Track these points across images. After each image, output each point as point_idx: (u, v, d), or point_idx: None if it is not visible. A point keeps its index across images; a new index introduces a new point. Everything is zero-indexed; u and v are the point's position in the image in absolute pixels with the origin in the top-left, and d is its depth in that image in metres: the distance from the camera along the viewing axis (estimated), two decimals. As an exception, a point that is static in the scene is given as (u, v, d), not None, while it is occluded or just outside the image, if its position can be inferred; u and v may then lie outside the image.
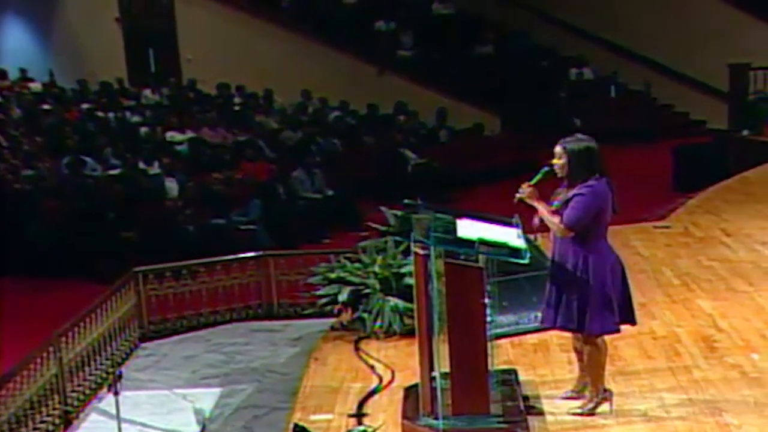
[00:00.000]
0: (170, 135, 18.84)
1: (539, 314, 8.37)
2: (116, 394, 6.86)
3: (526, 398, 6.99)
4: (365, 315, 8.39)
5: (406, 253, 8.90)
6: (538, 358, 7.85)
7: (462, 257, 6.46)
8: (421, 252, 6.53)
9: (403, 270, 8.55)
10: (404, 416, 6.72)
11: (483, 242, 6.46)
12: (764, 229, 10.98)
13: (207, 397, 7.88)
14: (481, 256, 6.49)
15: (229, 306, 12.07)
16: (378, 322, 8.33)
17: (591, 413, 6.78)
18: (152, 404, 7.55)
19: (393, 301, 8.37)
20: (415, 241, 6.63)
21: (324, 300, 8.72)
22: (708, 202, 12.36)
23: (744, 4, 20.40)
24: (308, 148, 18.12)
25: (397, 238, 9.48)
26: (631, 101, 21.78)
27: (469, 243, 6.45)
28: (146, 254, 13.13)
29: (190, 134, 18.90)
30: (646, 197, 14.12)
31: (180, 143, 18.58)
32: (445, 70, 22.43)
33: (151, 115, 20.26)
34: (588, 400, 6.86)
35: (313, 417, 7.00)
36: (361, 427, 5.78)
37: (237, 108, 21.22)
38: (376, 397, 7.30)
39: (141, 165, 16.59)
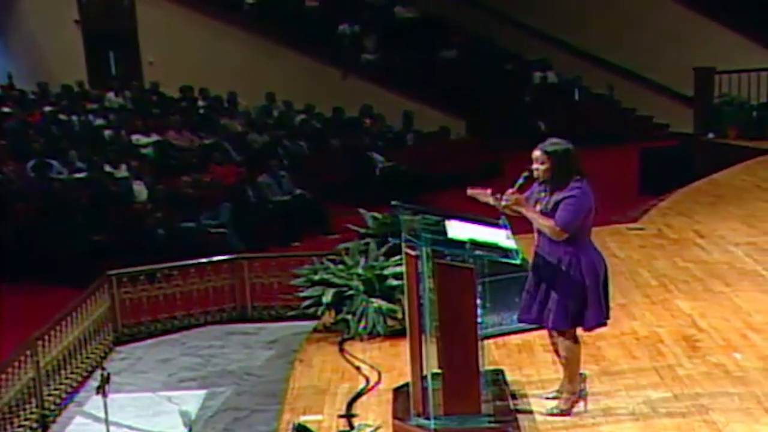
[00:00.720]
0: (135, 138, 18.73)
1: (515, 316, 8.49)
2: (105, 395, 6.83)
3: (514, 398, 7.03)
4: (349, 317, 8.40)
5: (388, 254, 8.95)
6: (522, 358, 7.90)
7: (455, 258, 6.49)
8: (412, 253, 6.56)
9: (386, 272, 8.58)
10: (395, 416, 6.75)
11: (474, 243, 6.49)
12: (736, 230, 11.11)
13: (192, 400, 7.84)
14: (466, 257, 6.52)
15: (204, 309, 12.07)
16: (362, 324, 8.32)
17: (566, 413, 6.84)
18: (137, 406, 7.52)
19: (376, 302, 8.39)
20: (406, 242, 6.65)
21: (308, 302, 8.70)
22: (679, 204, 12.48)
23: (705, 10, 20.62)
24: (275, 151, 18.11)
25: (378, 240, 9.51)
26: (595, 105, 21.96)
27: (460, 244, 6.48)
28: (117, 257, 13.09)
29: (155, 137, 18.80)
30: (613, 200, 14.20)
31: (145, 146, 18.48)
32: (409, 73, 22.50)
33: (116, 118, 20.12)
34: (563, 400, 6.92)
35: (303, 418, 7.00)
36: (364, 422, 5.76)
37: (201, 111, 21.14)
38: (364, 397, 7.30)
39: (107, 168, 16.48)
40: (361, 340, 8.41)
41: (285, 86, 21.80)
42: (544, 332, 8.16)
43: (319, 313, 9.01)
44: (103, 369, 6.91)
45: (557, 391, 7.07)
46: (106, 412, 6.85)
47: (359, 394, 7.34)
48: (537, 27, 23.06)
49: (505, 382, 7.18)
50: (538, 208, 6.65)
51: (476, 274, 6.48)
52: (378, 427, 6.31)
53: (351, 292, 8.46)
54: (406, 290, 6.70)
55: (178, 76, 22.34)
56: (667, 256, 10.17)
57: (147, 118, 19.84)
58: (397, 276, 8.58)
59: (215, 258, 12.27)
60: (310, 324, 11.69)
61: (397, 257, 8.91)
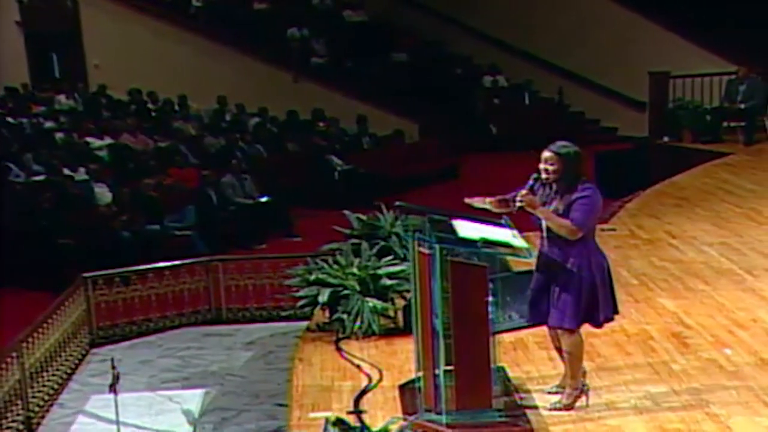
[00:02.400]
0: (88, 141, 18.63)
1: (513, 314, 8.67)
2: (116, 393, 6.89)
3: (517, 393, 7.19)
4: (344, 316, 8.51)
5: (379, 255, 9.09)
6: (518, 355, 8.06)
7: (467, 256, 6.64)
8: (426, 251, 6.70)
9: (380, 271, 8.70)
10: (405, 412, 6.87)
11: (486, 242, 6.64)
12: (706, 231, 11.39)
13: (193, 399, 7.90)
14: (481, 255, 6.67)
15: (179, 311, 12.11)
16: (357, 323, 8.45)
17: (569, 407, 7.02)
18: (140, 406, 7.55)
19: (371, 301, 8.51)
20: (419, 241, 6.79)
21: (303, 301, 8.80)
22: (646, 206, 12.75)
23: (654, 16, 21.00)
24: (232, 155, 18.12)
25: (363, 240, 9.65)
26: (544, 108, 22.25)
27: (472, 243, 6.63)
28: (83, 261, 13.04)
29: (108, 140, 18.72)
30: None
31: (99, 149, 18.39)
32: (360, 77, 22.63)
33: (67, 121, 19.99)
34: (566, 395, 7.09)
35: (312, 414, 7.11)
36: (396, 416, 5.84)
37: (154, 114, 21.08)
38: (369, 394, 7.41)
39: (66, 171, 16.40)
40: (357, 338, 8.52)
41: (236, 89, 21.80)
42: (537, 330, 8.41)
43: (309, 312, 9.11)
44: (114, 367, 6.94)
45: (559, 386, 7.23)
46: (116, 411, 6.90)
47: (364, 391, 7.44)
48: (486, 32, 23.30)
49: (508, 379, 7.34)
50: (550, 208, 6.80)
51: (488, 272, 6.64)
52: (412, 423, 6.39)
53: (346, 292, 8.57)
54: (419, 288, 6.83)
55: (125, 78, 22.24)
56: (643, 256, 10.40)
57: (98, 120, 19.74)
58: (391, 276, 8.73)
59: (190, 260, 12.33)
60: (286, 325, 11.84)
61: (389, 257, 9.08)
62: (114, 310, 11.86)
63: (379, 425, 5.95)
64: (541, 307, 6.96)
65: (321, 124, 20.50)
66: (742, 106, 16.34)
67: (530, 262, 7.11)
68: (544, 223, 6.88)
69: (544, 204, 6.88)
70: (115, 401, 6.97)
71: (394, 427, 5.64)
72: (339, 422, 5.59)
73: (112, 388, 6.97)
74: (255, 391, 10.11)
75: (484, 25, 23.38)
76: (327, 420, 5.76)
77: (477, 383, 6.66)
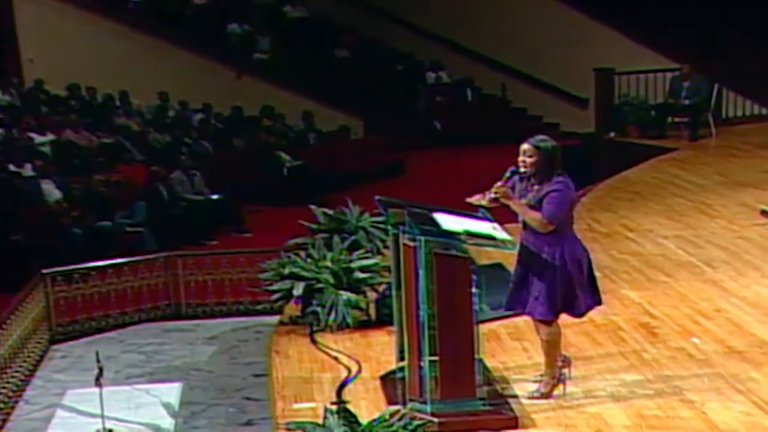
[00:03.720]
0: (30, 137, 18.44)
1: (484, 306, 8.81)
2: (101, 387, 6.93)
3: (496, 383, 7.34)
4: (318, 309, 8.59)
5: (352, 248, 9.20)
6: (493, 347, 8.19)
7: (446, 248, 6.77)
8: (411, 244, 6.81)
9: (353, 265, 8.80)
10: (390, 402, 6.98)
11: (469, 234, 6.78)
12: (661, 224, 11.63)
13: (171, 392, 7.95)
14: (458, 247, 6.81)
15: (138, 307, 12.13)
16: (332, 316, 8.54)
17: (547, 396, 7.18)
18: (118, 400, 7.58)
19: (345, 294, 8.61)
20: (403, 233, 6.90)
21: (277, 295, 8.87)
22: (600, 200, 12.98)
23: (595, 13, 21.28)
24: (179, 151, 18.08)
25: (329, 235, 9.75)
26: (487, 105, 22.46)
27: (456, 235, 6.76)
28: (35, 258, 12.96)
29: (51, 136, 18.56)
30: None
31: (42, 145, 18.23)
32: (304, 73, 22.64)
33: (5, 117, 19.74)
34: (544, 384, 7.25)
35: (296, 405, 7.21)
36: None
37: (94, 109, 20.89)
38: (350, 385, 7.51)
39: (12, 168, 16.24)
40: (332, 331, 8.61)
41: (177, 85, 21.65)
42: (508, 321, 8.59)
43: (280, 306, 9.20)
44: (98, 361, 6.97)
45: (541, 375, 7.39)
46: (101, 404, 6.93)
47: (346, 382, 7.54)
48: (428, 28, 23.44)
49: (487, 369, 7.48)
50: (524, 201, 6.95)
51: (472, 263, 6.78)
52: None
53: (320, 285, 8.65)
54: (404, 280, 6.94)
55: (61, 74, 21.99)
56: (603, 249, 10.59)
57: (38, 116, 19.53)
58: (363, 269, 8.84)
59: (149, 256, 12.35)
60: (248, 320, 11.96)
61: (361, 251, 9.19)
62: (73, 307, 11.86)
63: (377, 414, 6.03)
64: (520, 297, 7.11)
65: (266, 120, 20.50)
66: (687, 102, 16.66)
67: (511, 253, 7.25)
68: (519, 217, 7.03)
69: (521, 197, 7.01)
70: (101, 395, 7.00)
71: (394, 416, 5.72)
72: (341, 411, 5.66)
73: (98, 382, 6.99)
74: (222, 385, 10.18)
75: (425, 21, 23.50)
76: (327, 409, 5.82)
77: (461, 373, 6.78)
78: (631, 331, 8.40)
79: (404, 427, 5.62)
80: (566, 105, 21.34)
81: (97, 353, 6.99)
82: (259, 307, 11.73)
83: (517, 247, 6.88)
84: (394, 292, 7.50)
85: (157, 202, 15.73)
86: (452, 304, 6.73)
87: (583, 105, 20.66)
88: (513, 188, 7.05)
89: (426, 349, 6.74)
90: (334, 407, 5.76)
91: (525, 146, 7.03)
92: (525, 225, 7.02)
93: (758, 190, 12.79)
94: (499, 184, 6.97)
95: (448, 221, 6.93)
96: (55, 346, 11.49)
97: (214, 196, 16.29)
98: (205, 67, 22.56)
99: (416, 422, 5.74)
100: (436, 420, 6.00)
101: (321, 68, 22.87)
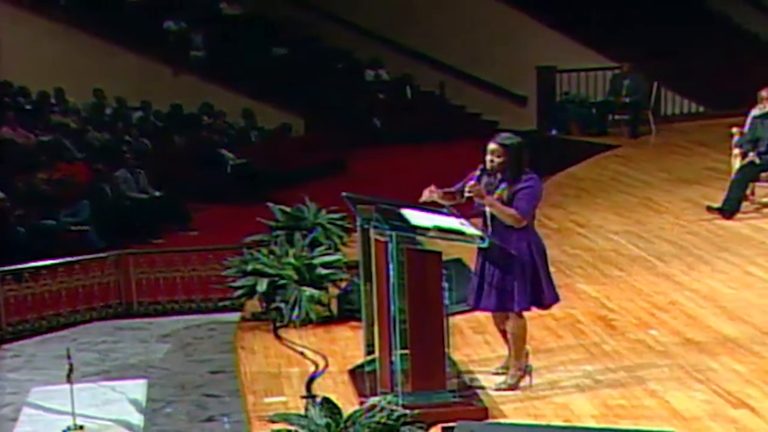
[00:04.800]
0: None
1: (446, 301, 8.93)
2: (71, 384, 6.93)
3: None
4: (282, 305, 8.65)
5: (313, 245, 9.26)
6: (456, 340, 8.24)
7: (414, 243, 6.88)
8: (382, 239, 6.91)
9: (315, 261, 8.87)
10: (361, 395, 7.06)
11: (439, 229, 6.89)
12: (610, 220, 11.84)
13: (137, 389, 7.95)
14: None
15: (89, 305, 12.08)
16: (295, 311, 8.60)
17: (514, 387, 7.32)
18: (85, 396, 7.56)
19: (308, 290, 8.67)
20: (375, 229, 6.99)
21: (240, 291, 8.91)
22: (549, 197, 13.00)
23: (533, 11, 21.52)
24: (119, 149, 17.98)
25: (287, 232, 9.81)
26: (426, 102, 22.59)
27: (426, 230, 6.86)
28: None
29: (-16, 134, 18.34)
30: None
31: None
32: (242, 70, 22.58)
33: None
34: (510, 376, 7.39)
35: (267, 400, 7.26)
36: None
37: (29, 107, 20.66)
38: (319, 379, 7.59)
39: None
40: (295, 327, 8.66)
41: (113, 83, 21.49)
42: (469, 315, 8.70)
43: (240, 303, 9.25)
44: (69, 357, 6.96)
45: (503, 367, 7.53)
46: (72, 401, 6.93)
47: (314, 377, 7.61)
48: (365, 26, 23.50)
49: (453, 362, 7.58)
50: (494, 194, 7.09)
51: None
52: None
53: (283, 282, 8.71)
54: (375, 274, 7.04)
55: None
56: (555, 245, 10.73)
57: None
58: (325, 265, 8.91)
59: (101, 254, 12.31)
60: (200, 318, 11.97)
61: (323, 247, 9.26)
62: (23, 306, 11.78)
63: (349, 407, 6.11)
64: (485, 292, 7.22)
65: (206, 118, 20.44)
66: (627, 100, 16.96)
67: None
68: (487, 211, 7.15)
69: (489, 193, 7.14)
70: (71, 392, 6.99)
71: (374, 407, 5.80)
72: (325, 402, 5.74)
73: (69, 379, 6.99)
74: (180, 382, 10.20)
75: (362, 19, 23.56)
76: (309, 402, 5.89)
77: (432, 365, 6.89)
78: (590, 324, 8.57)
79: (387, 417, 5.69)
80: (505, 102, 21.53)
81: (68, 350, 6.98)
82: (211, 304, 11.76)
83: (486, 242, 6.97)
84: (362, 287, 7.59)
85: (102, 201, 15.65)
86: (423, 298, 6.83)
87: (521, 102, 20.89)
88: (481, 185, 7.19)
89: (397, 343, 6.83)
90: (316, 399, 5.81)
91: (492, 146, 7.16)
92: (492, 221, 7.15)
93: (702, 186, 13.08)
94: (472, 183, 7.10)
95: (416, 217, 7.03)
96: (5, 346, 11.40)
97: (158, 194, 16.23)
98: (141, 64, 22.39)
99: (398, 413, 5.82)
100: (415, 411, 6.08)
101: (258, 66, 22.85)
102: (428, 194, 7.20)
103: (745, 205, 11.68)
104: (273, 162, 18.59)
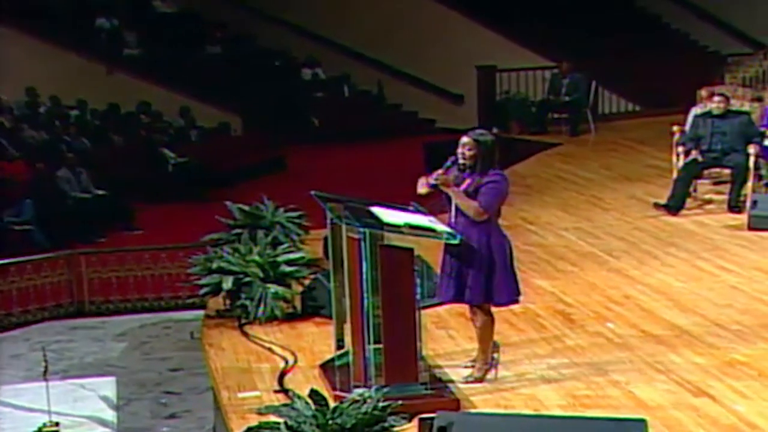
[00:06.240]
0: None
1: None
2: (47, 381, 6.99)
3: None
4: (248, 302, 8.75)
5: (275, 244, 9.37)
6: (419, 335, 8.46)
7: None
8: (355, 236, 7.05)
9: (279, 259, 8.98)
10: (334, 388, 7.20)
11: (411, 226, 7.06)
12: (558, 217, 12.09)
13: (107, 386, 8.02)
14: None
15: (41, 305, 12.06)
16: (261, 308, 8.70)
17: (481, 380, 7.51)
18: (55, 394, 7.59)
19: (273, 287, 8.78)
20: (347, 226, 7.14)
21: (206, 289, 8.99)
22: (496, 194, 13.37)
23: (469, 11, 21.76)
24: (58, 148, 17.88)
25: (248, 230, 9.92)
26: (363, 101, 22.75)
27: (397, 227, 7.02)
28: None
29: None
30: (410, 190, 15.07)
31: None
32: (177, 69, 22.53)
33: None
34: (477, 368, 7.59)
35: (240, 395, 7.37)
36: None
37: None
38: (290, 374, 7.71)
39: None
40: (260, 323, 8.77)
41: (46, 81, 21.31)
42: (431, 311, 8.87)
43: (204, 301, 9.34)
44: (45, 354, 7.02)
45: (471, 360, 7.71)
46: (47, 397, 6.99)
47: (285, 372, 7.73)
48: (301, 25, 23.57)
49: (422, 356, 7.75)
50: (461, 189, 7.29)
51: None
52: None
53: (248, 279, 8.80)
54: (348, 271, 7.17)
55: None
56: (507, 241, 10.97)
57: None
58: (289, 262, 9.03)
59: (52, 254, 12.28)
60: (154, 316, 12.01)
61: (285, 245, 9.38)
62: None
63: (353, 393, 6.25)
64: (451, 285, 7.40)
65: (144, 116, 20.37)
66: (567, 99, 17.27)
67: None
68: (453, 205, 7.35)
69: (456, 185, 7.33)
70: (47, 389, 7.04)
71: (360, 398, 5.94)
72: (313, 393, 5.87)
73: (45, 377, 7.04)
74: (139, 380, 10.26)
75: (297, 18, 23.61)
76: (295, 394, 6.02)
77: (404, 359, 7.06)
78: (550, 318, 8.80)
79: (373, 407, 5.84)
80: (442, 101, 21.74)
81: (43, 349, 7.05)
82: (164, 302, 11.82)
83: (458, 238, 7.15)
84: (332, 283, 7.73)
85: (44, 200, 15.56)
86: (396, 293, 7.00)
87: (458, 101, 21.13)
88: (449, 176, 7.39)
89: (370, 337, 6.98)
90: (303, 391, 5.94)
91: (465, 139, 7.37)
92: (456, 214, 7.34)
93: (644, 183, 13.41)
94: (439, 172, 7.29)
95: (387, 215, 7.19)
96: (-45, 346, 11.35)
97: (99, 191, 16.17)
98: (74, 62, 22.21)
99: (383, 403, 5.97)
100: (399, 402, 6.24)
101: (193, 64, 22.81)
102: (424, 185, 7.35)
103: (688, 201, 12.01)
104: (214, 161, 18.61)
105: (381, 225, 7.00)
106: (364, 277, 6.96)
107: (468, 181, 7.35)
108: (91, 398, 7.73)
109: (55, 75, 21.44)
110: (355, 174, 17.40)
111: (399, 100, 22.67)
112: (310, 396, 5.86)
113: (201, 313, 9.74)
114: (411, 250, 7.06)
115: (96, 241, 14.98)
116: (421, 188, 7.32)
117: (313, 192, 7.75)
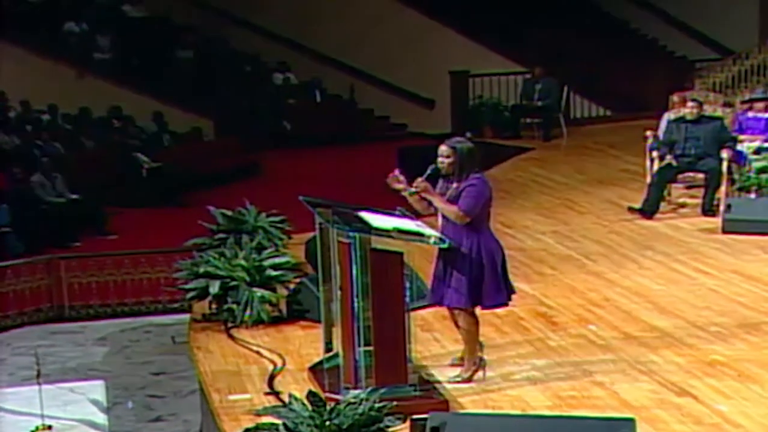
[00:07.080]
0: None
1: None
2: (40, 384, 7.04)
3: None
4: (234, 306, 8.83)
5: (259, 248, 9.46)
6: (405, 338, 8.57)
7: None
8: (345, 241, 7.16)
9: (265, 263, 9.07)
10: (324, 390, 7.29)
11: (399, 231, 7.18)
12: (535, 221, 12.25)
13: (96, 389, 8.07)
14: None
15: (20, 310, 12.07)
16: (247, 312, 8.79)
17: (468, 380, 7.64)
18: (44, 398, 7.64)
19: (259, 291, 8.87)
20: (338, 230, 7.24)
21: (192, 293, 9.06)
22: (472, 198, 13.51)
23: (440, 17, 21.91)
24: (31, 153, 17.86)
25: (232, 235, 10.00)
26: (334, 106, 22.84)
27: (386, 232, 7.14)
28: None
29: None
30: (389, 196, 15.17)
31: None
32: (148, 73, 22.53)
33: None
34: (465, 369, 7.72)
35: (231, 397, 7.45)
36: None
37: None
38: (279, 377, 7.80)
39: None
40: (247, 327, 8.85)
41: (15, 85, 21.25)
42: (416, 313, 8.96)
43: (189, 306, 9.41)
44: (37, 358, 7.08)
45: (458, 358, 7.84)
46: (41, 401, 7.04)
47: (274, 374, 7.83)
48: (272, 29, 23.63)
49: (409, 358, 7.86)
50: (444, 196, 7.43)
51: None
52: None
53: (234, 283, 8.89)
54: (340, 275, 7.27)
55: None
56: (485, 245, 11.10)
57: None
58: (275, 267, 9.12)
59: (30, 258, 12.30)
60: (134, 321, 12.07)
61: (270, 250, 9.47)
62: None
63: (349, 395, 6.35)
64: (439, 288, 7.54)
65: (116, 121, 20.35)
66: (539, 103, 17.46)
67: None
68: (440, 211, 7.50)
69: (441, 194, 7.47)
70: (40, 393, 7.09)
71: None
72: (310, 395, 5.96)
73: (38, 380, 7.10)
74: (122, 384, 10.31)
75: (268, 23, 23.69)
76: (291, 395, 6.12)
77: (394, 361, 7.17)
78: (532, 321, 8.94)
79: (370, 408, 5.94)
80: (413, 106, 21.90)
81: (35, 352, 7.08)
82: (144, 307, 11.87)
83: (446, 242, 7.28)
84: (321, 287, 7.84)
85: (20, 205, 15.54)
86: (387, 296, 7.11)
87: (429, 106, 21.29)
88: (434, 185, 7.53)
89: (361, 340, 7.09)
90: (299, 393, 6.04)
91: (443, 148, 7.56)
92: (445, 220, 7.49)
93: (618, 187, 13.61)
94: (419, 179, 7.44)
95: (376, 219, 7.31)
96: (-63, 352, 11.35)
97: (74, 196, 16.17)
98: (44, 66, 22.14)
99: (380, 404, 6.07)
100: (394, 403, 6.35)
101: (164, 69, 22.81)
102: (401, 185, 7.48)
103: (663, 205, 12.20)
104: (187, 166, 18.65)
105: (370, 229, 7.12)
106: (354, 280, 7.07)
107: (455, 185, 7.49)
108: (81, 402, 7.78)
109: (24, 79, 21.36)
110: (331, 179, 17.50)
111: (371, 105, 22.78)
112: (307, 397, 5.96)
113: (182, 317, 9.84)
114: (400, 254, 7.18)
115: (70, 246, 15.00)
116: (395, 184, 7.41)
117: (301, 197, 7.86)
